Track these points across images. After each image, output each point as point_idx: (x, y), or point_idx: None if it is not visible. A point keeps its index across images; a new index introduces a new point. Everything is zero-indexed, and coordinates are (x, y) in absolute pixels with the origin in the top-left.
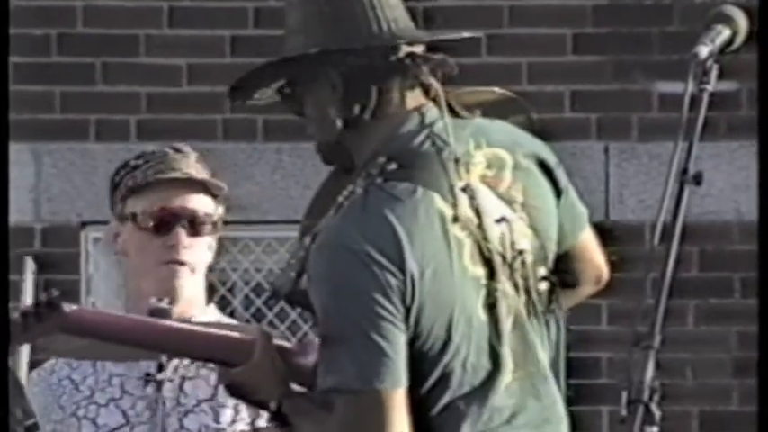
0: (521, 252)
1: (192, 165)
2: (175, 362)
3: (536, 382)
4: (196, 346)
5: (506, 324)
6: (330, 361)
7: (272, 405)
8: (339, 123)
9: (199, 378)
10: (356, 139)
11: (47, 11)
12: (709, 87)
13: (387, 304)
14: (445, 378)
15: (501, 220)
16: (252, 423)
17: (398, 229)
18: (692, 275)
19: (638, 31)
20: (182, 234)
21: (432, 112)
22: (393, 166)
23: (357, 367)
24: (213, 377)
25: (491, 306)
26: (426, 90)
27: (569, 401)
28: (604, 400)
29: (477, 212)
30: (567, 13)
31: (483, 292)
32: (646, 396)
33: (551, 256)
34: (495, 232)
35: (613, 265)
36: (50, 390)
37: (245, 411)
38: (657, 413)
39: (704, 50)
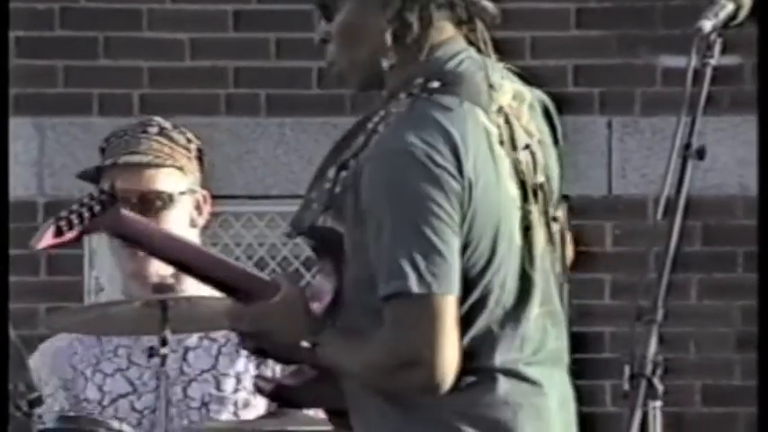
0: (540, 185)
1: (146, 142)
2: (177, 336)
3: (555, 321)
4: (231, 274)
5: (538, 251)
6: (390, 267)
7: (308, 340)
8: (389, 38)
9: (201, 348)
10: (396, 59)
11: None
12: (713, 61)
13: (447, 207)
14: (484, 298)
15: (526, 147)
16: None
17: (454, 133)
18: (695, 250)
19: (641, 5)
20: None
21: (461, 42)
22: (435, 84)
23: (417, 271)
24: (215, 347)
25: (526, 229)
26: (456, 24)
27: (572, 375)
28: (607, 374)
29: (511, 136)
30: None
31: (519, 214)
32: (648, 370)
33: (556, 200)
34: (523, 158)
35: (616, 240)
36: (60, 351)
37: (247, 381)
38: (660, 387)
39: (708, 24)
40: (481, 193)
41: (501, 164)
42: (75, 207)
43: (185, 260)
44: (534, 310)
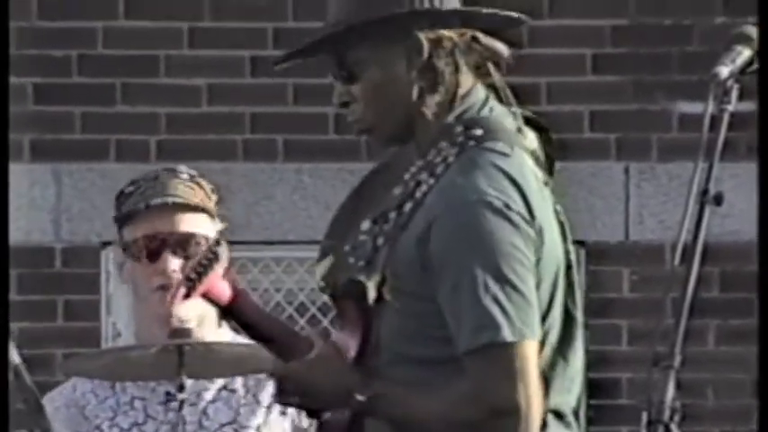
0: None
1: (181, 186)
2: (195, 383)
3: (582, 365)
4: (277, 328)
5: (579, 290)
6: (477, 317)
7: (363, 393)
8: (416, 91)
9: (221, 401)
10: (423, 111)
11: (67, 32)
12: (730, 107)
13: (528, 253)
14: (543, 339)
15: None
16: None
17: (519, 180)
18: (713, 296)
19: (657, 51)
20: (170, 258)
21: (482, 90)
22: (479, 132)
23: (508, 320)
24: (235, 400)
25: (568, 268)
26: (474, 69)
27: (589, 422)
28: (624, 420)
29: (544, 178)
30: (587, 33)
31: (563, 252)
32: (666, 417)
33: None
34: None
35: (633, 286)
36: (74, 402)
37: None
38: None
39: (725, 70)
40: (546, 236)
41: (549, 205)
42: (197, 267)
43: (247, 317)
44: (580, 350)
